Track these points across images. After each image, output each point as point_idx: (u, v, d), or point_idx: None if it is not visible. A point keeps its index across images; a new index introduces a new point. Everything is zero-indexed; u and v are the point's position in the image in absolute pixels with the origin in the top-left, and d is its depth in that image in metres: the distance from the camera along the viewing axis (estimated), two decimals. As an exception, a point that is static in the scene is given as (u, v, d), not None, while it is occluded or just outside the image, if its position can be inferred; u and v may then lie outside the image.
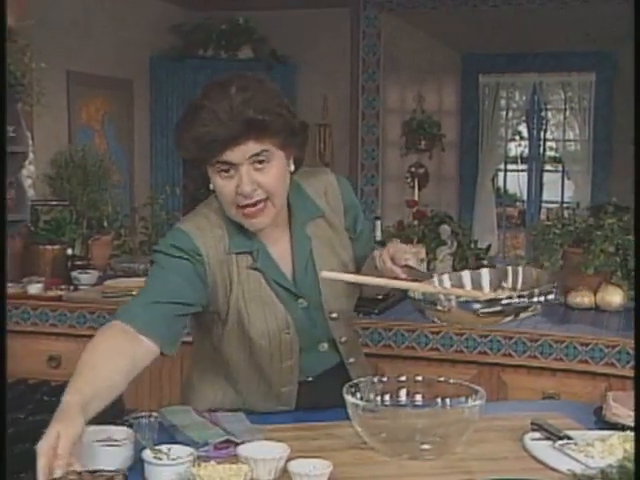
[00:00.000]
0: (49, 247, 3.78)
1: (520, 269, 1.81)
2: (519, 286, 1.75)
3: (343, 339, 1.93)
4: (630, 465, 1.48)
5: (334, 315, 1.88)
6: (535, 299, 1.62)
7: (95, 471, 1.39)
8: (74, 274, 3.65)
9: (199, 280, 1.75)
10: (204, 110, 1.65)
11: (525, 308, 1.65)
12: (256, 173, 1.67)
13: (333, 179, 1.92)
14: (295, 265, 1.84)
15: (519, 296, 1.63)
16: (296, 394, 1.89)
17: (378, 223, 4.02)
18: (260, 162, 1.67)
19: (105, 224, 4.26)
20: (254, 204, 1.70)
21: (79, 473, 1.34)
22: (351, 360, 1.96)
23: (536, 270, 1.85)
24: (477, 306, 1.65)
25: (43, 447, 1.34)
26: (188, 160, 1.75)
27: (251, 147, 1.65)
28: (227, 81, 1.69)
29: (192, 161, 1.74)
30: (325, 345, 1.91)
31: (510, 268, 1.82)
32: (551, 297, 1.63)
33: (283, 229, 1.83)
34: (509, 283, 1.78)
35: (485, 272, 1.83)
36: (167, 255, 1.74)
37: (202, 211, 1.81)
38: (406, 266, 1.72)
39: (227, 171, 1.68)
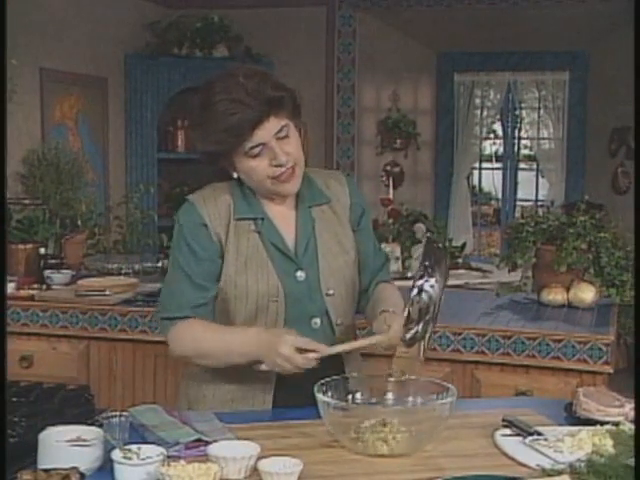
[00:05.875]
0: (22, 246, 3.74)
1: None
2: None
3: (339, 321, 1.95)
4: (598, 459, 1.50)
5: (330, 291, 1.94)
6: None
7: (50, 469, 1.37)
8: (47, 273, 3.61)
9: (214, 247, 1.90)
10: (224, 102, 1.81)
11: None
12: (283, 145, 1.86)
13: (342, 177, 2.09)
14: (297, 240, 1.95)
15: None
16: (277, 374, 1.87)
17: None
18: (283, 136, 1.86)
19: (79, 223, 4.22)
20: (285, 171, 1.88)
21: (34, 472, 1.32)
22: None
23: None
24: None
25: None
26: (215, 153, 1.89)
27: (273, 124, 1.83)
28: (231, 74, 1.86)
29: (219, 153, 1.88)
30: (318, 321, 1.93)
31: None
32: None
33: (290, 210, 1.97)
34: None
35: None
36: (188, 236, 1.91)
37: (209, 187, 1.97)
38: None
39: (257, 152, 1.85)
